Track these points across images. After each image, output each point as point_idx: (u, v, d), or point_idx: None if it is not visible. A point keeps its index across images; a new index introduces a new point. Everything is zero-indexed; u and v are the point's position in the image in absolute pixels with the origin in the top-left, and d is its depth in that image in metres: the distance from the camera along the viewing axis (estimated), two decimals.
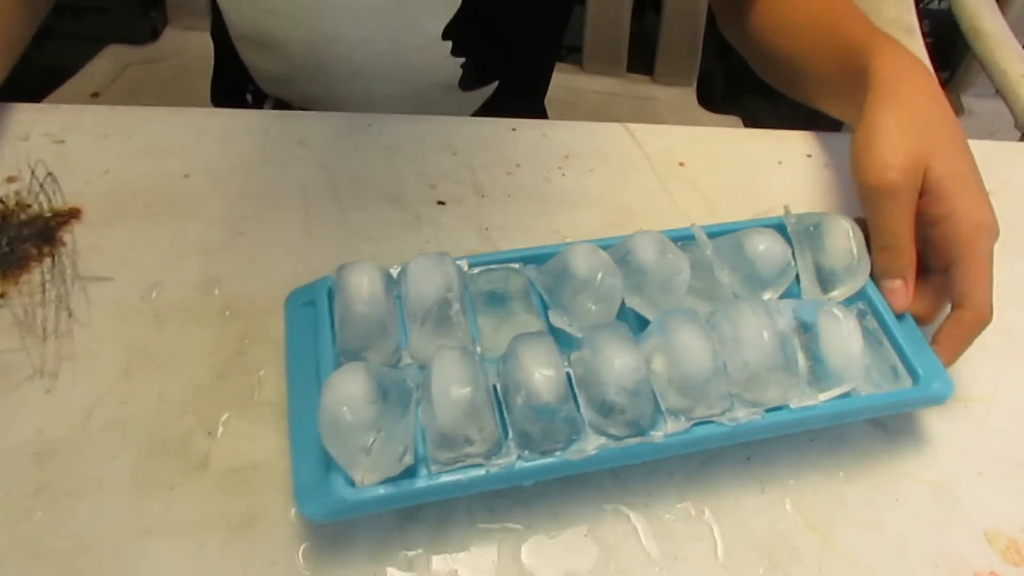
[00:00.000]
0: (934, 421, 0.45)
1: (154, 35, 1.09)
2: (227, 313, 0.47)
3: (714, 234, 0.47)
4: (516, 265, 0.46)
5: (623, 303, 0.44)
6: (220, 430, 0.43)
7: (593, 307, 0.43)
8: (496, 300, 0.45)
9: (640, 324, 0.44)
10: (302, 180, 0.55)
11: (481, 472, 0.38)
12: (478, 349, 0.42)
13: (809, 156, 0.60)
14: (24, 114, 0.57)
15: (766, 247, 0.45)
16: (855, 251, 0.46)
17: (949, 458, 0.44)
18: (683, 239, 0.47)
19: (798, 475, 0.43)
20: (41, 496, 0.40)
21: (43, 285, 0.48)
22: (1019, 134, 0.90)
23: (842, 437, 0.44)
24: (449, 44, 0.64)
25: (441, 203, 0.55)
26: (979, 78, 1.32)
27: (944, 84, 0.89)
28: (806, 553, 0.40)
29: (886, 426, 0.45)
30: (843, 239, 0.46)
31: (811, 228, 0.48)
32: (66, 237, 0.51)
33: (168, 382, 0.44)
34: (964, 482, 0.43)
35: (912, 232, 0.46)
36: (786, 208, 0.49)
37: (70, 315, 0.47)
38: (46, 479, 0.40)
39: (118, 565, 0.38)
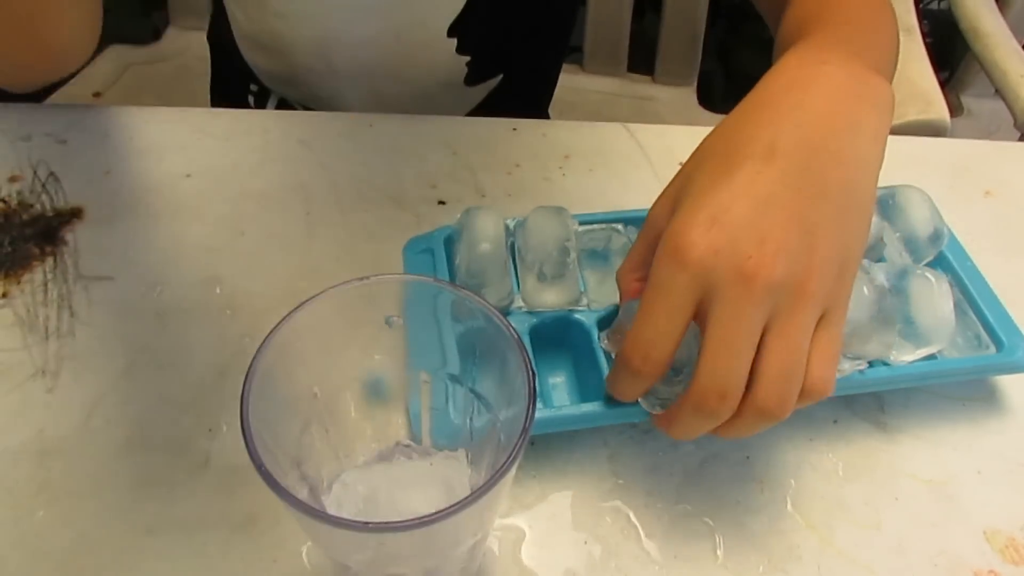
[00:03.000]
0: (932, 420, 0.45)
1: (156, 35, 1.09)
2: (228, 312, 0.48)
3: None
4: (619, 226, 0.48)
5: None
6: (222, 428, 0.43)
7: None
8: (599, 257, 0.48)
9: None
10: (303, 180, 0.55)
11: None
12: (584, 300, 0.45)
13: None
14: (26, 114, 0.58)
15: None
16: (934, 218, 0.48)
17: (948, 457, 0.44)
18: None
19: (797, 475, 0.43)
20: (43, 495, 0.40)
21: (45, 284, 0.48)
22: (1018, 134, 0.90)
23: (841, 437, 0.44)
24: (454, 42, 0.64)
25: (441, 203, 0.55)
26: (978, 78, 1.32)
27: (944, 84, 0.90)
28: (805, 552, 0.40)
29: (885, 425, 0.45)
30: (921, 207, 0.48)
31: (889, 200, 0.49)
32: (68, 236, 0.51)
33: (169, 381, 0.44)
34: (963, 481, 0.43)
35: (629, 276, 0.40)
36: None
37: (72, 314, 0.47)
38: (48, 478, 0.41)
39: (120, 564, 0.38)
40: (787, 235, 0.33)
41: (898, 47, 0.47)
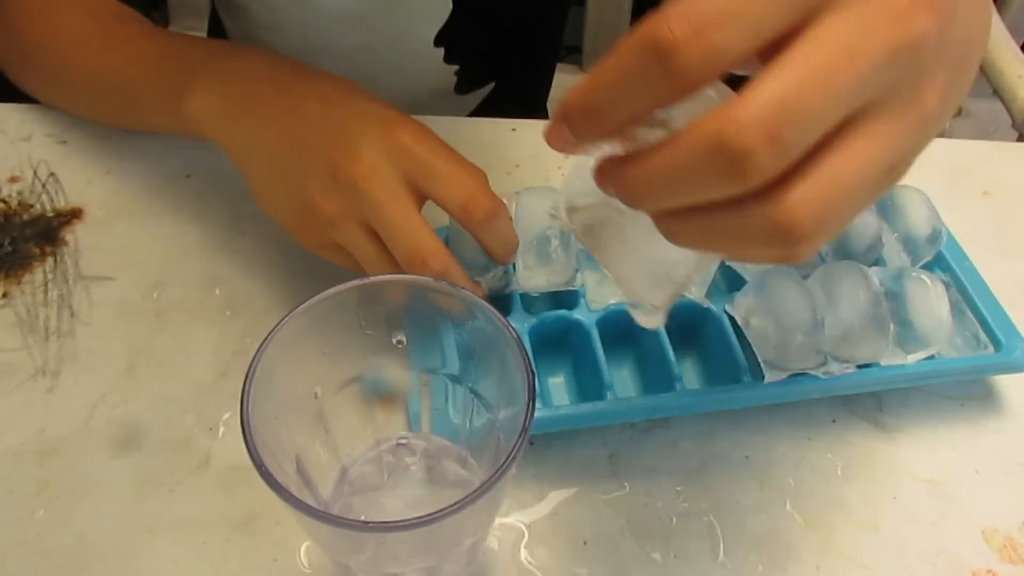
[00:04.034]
0: (931, 420, 0.45)
1: None
2: (228, 312, 0.48)
3: None
4: None
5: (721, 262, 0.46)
6: (221, 429, 0.43)
7: None
8: None
9: (730, 284, 0.46)
10: None
11: None
12: (582, 301, 0.44)
13: None
14: (27, 114, 0.58)
15: (859, 219, 0.47)
16: (932, 218, 0.48)
17: (947, 457, 0.44)
18: None
19: (797, 475, 0.43)
20: (43, 495, 0.40)
21: (45, 285, 0.49)
22: (1016, 134, 0.91)
23: (840, 437, 0.44)
24: (441, 51, 0.64)
25: None
26: (976, 79, 1.32)
27: None
28: (804, 552, 0.40)
29: (884, 425, 0.45)
30: (920, 207, 0.48)
31: (887, 200, 0.49)
32: (68, 237, 0.51)
33: (170, 381, 0.45)
34: (961, 481, 0.43)
35: None
36: None
37: (72, 314, 0.47)
38: (48, 478, 0.41)
39: (120, 563, 0.38)
40: None
41: None
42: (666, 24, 0.21)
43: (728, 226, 0.23)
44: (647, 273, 0.29)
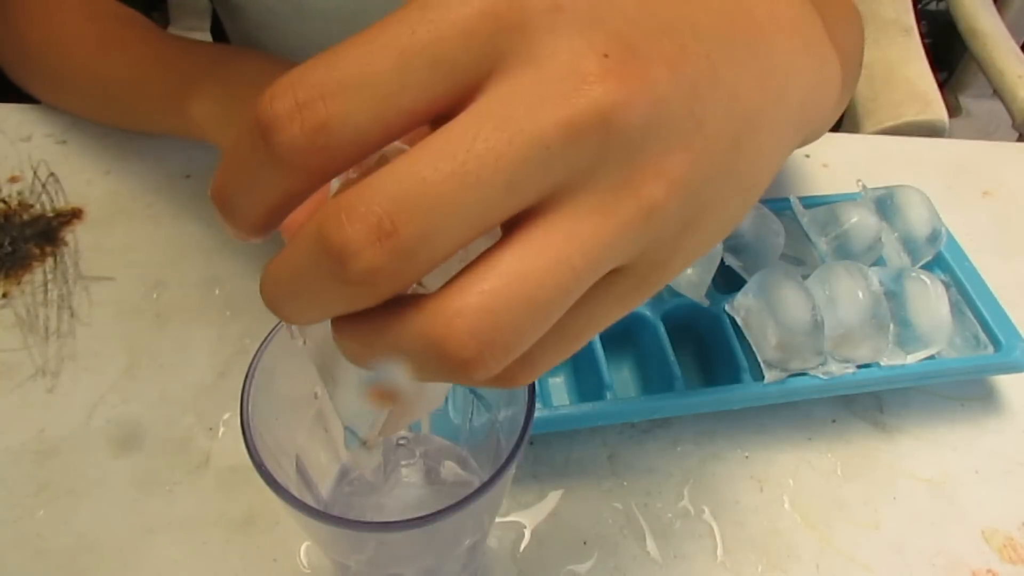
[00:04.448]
0: (931, 420, 0.45)
1: None
2: (228, 313, 0.48)
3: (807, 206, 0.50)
4: None
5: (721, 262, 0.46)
6: (221, 429, 0.43)
7: (689, 270, 0.44)
8: None
9: (730, 284, 0.46)
10: None
11: None
12: None
13: (807, 156, 0.60)
14: (27, 115, 0.58)
15: (859, 219, 0.47)
16: (932, 218, 0.48)
17: (946, 457, 0.44)
18: (776, 209, 0.48)
19: (796, 474, 0.43)
20: (43, 495, 0.40)
21: (45, 285, 0.49)
22: (1016, 134, 0.91)
23: (840, 436, 0.44)
24: None
25: None
26: (977, 79, 1.32)
27: (942, 85, 0.90)
28: (804, 552, 0.40)
29: (883, 425, 0.45)
30: (920, 208, 0.48)
31: (887, 200, 0.49)
32: (68, 237, 0.51)
33: (169, 381, 0.45)
34: (961, 481, 0.43)
35: None
36: (861, 184, 0.50)
37: (72, 315, 0.47)
38: (48, 478, 0.41)
39: (120, 564, 0.38)
40: (679, 42, 0.19)
41: (860, 60, 0.46)
42: (268, 95, 0.17)
43: (384, 341, 0.19)
44: (358, 401, 0.26)
